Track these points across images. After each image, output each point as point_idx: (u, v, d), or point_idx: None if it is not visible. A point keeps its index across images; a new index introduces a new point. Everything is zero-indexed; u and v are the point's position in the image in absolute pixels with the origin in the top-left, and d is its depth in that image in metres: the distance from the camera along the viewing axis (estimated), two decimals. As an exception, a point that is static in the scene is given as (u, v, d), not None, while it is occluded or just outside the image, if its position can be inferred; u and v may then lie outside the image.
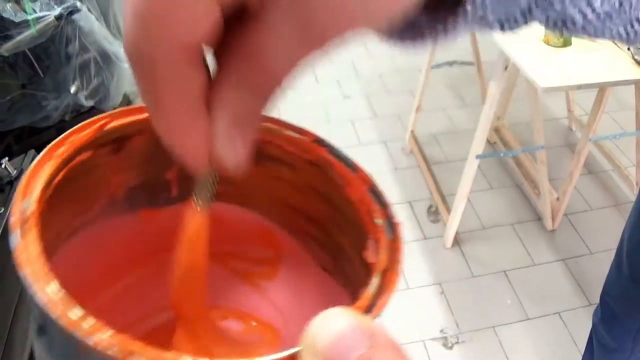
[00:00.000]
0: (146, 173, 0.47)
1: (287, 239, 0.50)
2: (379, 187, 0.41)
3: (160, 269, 0.46)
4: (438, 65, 3.00)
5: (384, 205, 0.39)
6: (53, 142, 0.38)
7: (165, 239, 0.43)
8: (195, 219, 0.36)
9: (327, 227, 0.46)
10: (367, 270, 0.36)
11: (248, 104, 0.28)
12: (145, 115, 0.43)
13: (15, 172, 1.90)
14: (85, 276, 0.46)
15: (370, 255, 0.37)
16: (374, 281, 0.34)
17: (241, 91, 0.27)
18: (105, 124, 0.42)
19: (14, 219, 0.31)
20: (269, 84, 0.27)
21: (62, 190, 0.38)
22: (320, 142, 0.43)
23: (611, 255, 1.56)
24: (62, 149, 0.38)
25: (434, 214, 2.54)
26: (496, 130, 2.83)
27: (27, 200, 0.33)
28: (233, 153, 0.29)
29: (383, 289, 0.34)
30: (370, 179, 0.41)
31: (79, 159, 0.40)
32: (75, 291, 0.32)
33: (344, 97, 3.39)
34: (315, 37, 0.25)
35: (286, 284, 0.53)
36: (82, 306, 0.29)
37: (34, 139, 2.55)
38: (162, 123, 0.28)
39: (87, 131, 0.40)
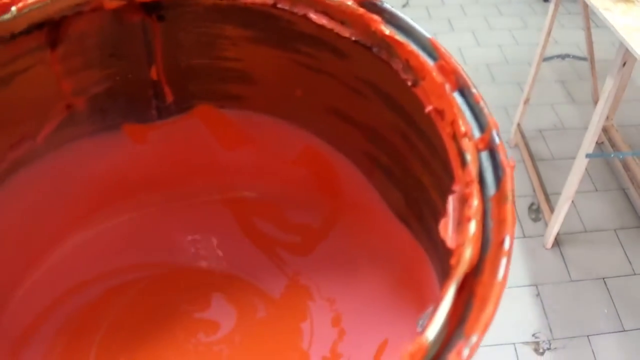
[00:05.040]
0: (115, 72, 0.28)
1: (341, 163, 0.29)
2: (475, 89, 0.21)
3: (156, 209, 0.28)
4: (549, 58, 2.91)
5: (481, 124, 0.20)
6: None
7: (162, 167, 0.26)
8: None
9: (398, 150, 0.26)
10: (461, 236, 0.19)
11: None
12: None
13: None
14: (37, 224, 0.29)
15: (444, 230, 0.20)
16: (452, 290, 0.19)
17: None
18: (12, 3, 0.22)
19: None
20: None
21: None
22: (372, 6, 0.22)
23: None
24: None
25: (535, 212, 2.48)
26: (605, 130, 2.72)
27: None
28: None
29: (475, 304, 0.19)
30: (459, 72, 0.21)
31: None
32: (19, 247, 0.21)
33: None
34: None
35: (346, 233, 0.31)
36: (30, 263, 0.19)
37: None
38: None
39: None
